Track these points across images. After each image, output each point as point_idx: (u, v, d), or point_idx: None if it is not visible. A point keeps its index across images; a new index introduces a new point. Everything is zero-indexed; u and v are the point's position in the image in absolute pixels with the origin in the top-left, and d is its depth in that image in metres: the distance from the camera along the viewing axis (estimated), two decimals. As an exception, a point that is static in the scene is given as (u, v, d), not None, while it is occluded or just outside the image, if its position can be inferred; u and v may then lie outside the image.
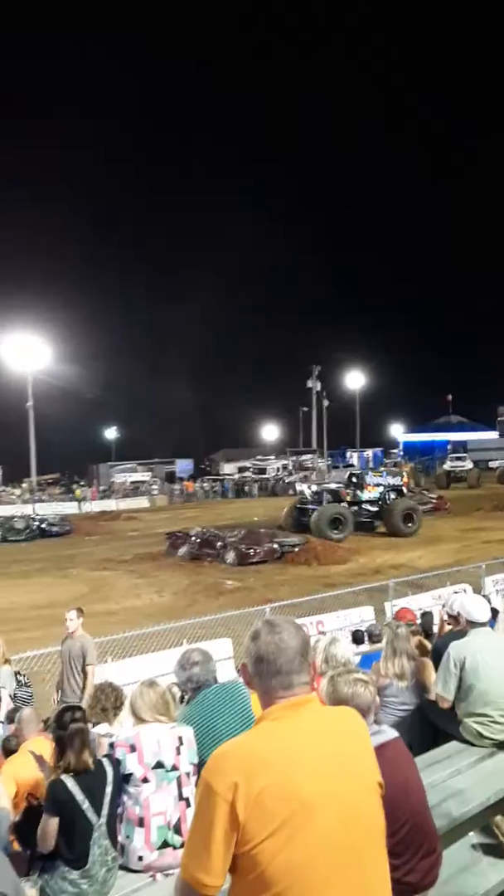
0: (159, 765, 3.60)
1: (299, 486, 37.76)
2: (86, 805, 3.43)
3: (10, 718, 5.42)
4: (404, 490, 35.84)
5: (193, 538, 28.23)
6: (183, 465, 75.38)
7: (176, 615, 15.20)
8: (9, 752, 4.95)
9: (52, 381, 62.57)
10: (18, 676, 8.02)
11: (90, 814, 3.44)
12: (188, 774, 3.63)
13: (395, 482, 35.78)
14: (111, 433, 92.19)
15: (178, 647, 10.33)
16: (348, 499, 33.88)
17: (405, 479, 37.50)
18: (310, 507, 33.24)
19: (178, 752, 3.65)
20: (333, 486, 35.69)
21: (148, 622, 14.27)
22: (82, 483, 64.39)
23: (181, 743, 3.68)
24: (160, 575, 24.45)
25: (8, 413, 64.70)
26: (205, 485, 62.87)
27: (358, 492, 34.23)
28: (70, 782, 3.45)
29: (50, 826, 3.41)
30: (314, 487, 35.86)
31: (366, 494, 34.26)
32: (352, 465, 66.59)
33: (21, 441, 61.20)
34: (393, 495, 34.52)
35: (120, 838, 3.57)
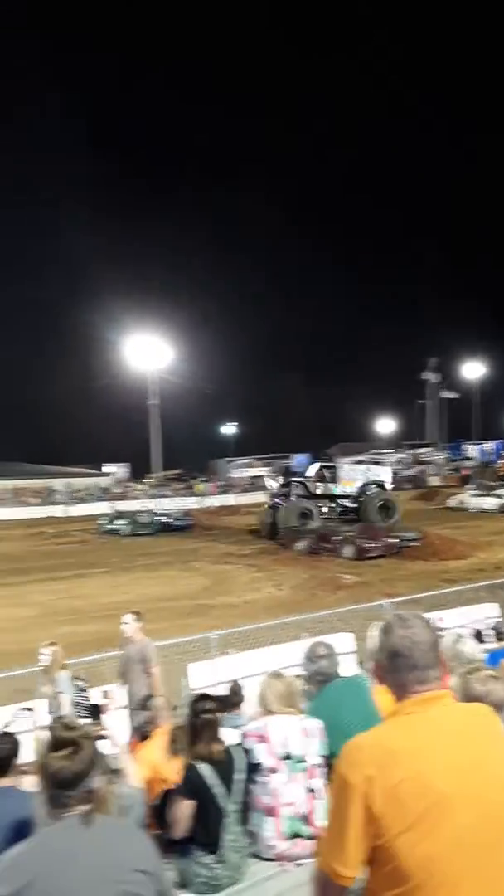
0: (288, 756, 3.65)
1: (267, 482, 35.68)
2: (218, 791, 3.53)
3: (144, 705, 5.63)
4: (386, 485, 34.40)
5: (311, 532, 28.31)
6: (299, 460, 75.38)
7: (294, 609, 15.29)
8: (144, 737, 5.17)
9: (173, 379, 64.16)
10: (77, 682, 7.94)
11: (222, 800, 3.53)
12: (317, 766, 3.67)
13: (377, 477, 34.39)
14: (230, 429, 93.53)
15: (297, 641, 10.38)
16: (318, 492, 32.64)
17: (388, 474, 35.88)
18: (277, 501, 32.28)
19: (307, 744, 3.69)
20: (302, 479, 33.95)
21: (267, 615, 14.44)
22: (203, 478, 65.63)
23: (309, 735, 3.71)
24: (279, 569, 24.66)
25: (132, 411, 66.85)
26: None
27: (331, 485, 32.98)
28: (203, 768, 3.55)
29: (183, 810, 3.53)
30: (281, 480, 34.24)
31: (340, 488, 33.02)
32: (468, 459, 64.79)
33: (144, 438, 63.24)
34: (373, 489, 33.25)
35: (249, 826, 3.66)
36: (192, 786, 3.53)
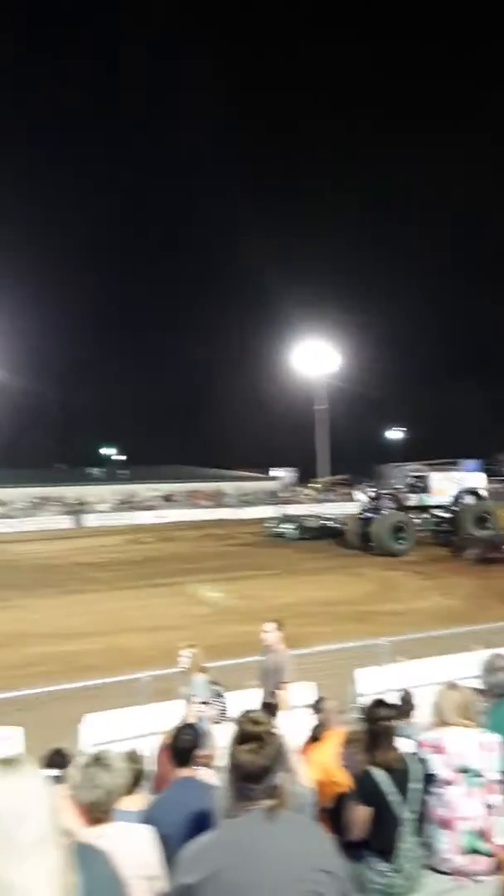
0: (465, 769, 3.57)
1: (356, 495, 33.56)
2: (394, 798, 3.50)
3: (317, 708, 5.69)
4: (480, 492, 31.62)
5: (480, 540, 27.32)
6: (468, 466, 72.92)
7: (463, 619, 14.81)
8: (315, 740, 5.23)
9: (341, 385, 64.18)
10: (215, 687, 7.90)
11: (398, 808, 3.50)
12: (496, 782, 3.56)
13: (470, 484, 31.72)
14: (397, 434, 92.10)
15: (468, 653, 10.04)
16: (410, 503, 30.67)
17: (483, 480, 32.96)
18: (367, 515, 30.46)
19: (485, 759, 3.59)
20: (393, 491, 32.27)
21: (434, 624, 14.09)
22: (370, 484, 64.97)
23: (488, 750, 3.61)
24: (447, 577, 24.00)
25: (300, 417, 67.50)
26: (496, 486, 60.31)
27: (423, 496, 30.84)
28: (379, 774, 3.54)
29: (359, 814, 3.53)
30: (371, 493, 32.45)
31: (434, 499, 30.78)
32: None
33: (312, 443, 63.68)
34: (468, 498, 30.78)
35: (425, 838, 3.60)
36: (368, 792, 3.53)
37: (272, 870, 1.99)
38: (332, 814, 3.98)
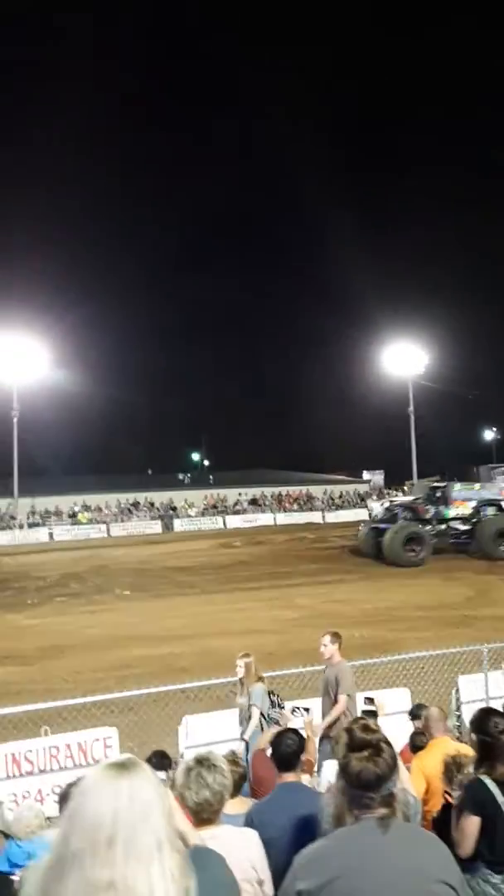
0: None
1: (370, 504, 31.98)
2: (507, 810, 3.37)
3: (415, 714, 5.55)
4: (503, 505, 29.72)
5: None
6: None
7: None
8: (416, 748, 5.09)
9: (433, 385, 63.12)
10: (272, 697, 7.65)
11: (512, 819, 3.37)
12: None
13: (490, 495, 29.94)
14: (491, 434, 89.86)
15: None
16: (428, 516, 29.23)
17: None
18: (382, 525, 29.08)
19: None
20: (409, 501, 30.88)
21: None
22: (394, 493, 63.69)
23: None
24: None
25: (390, 419, 66.67)
26: None
27: (442, 508, 29.35)
28: (491, 784, 3.42)
29: (469, 825, 3.41)
30: (387, 504, 31.02)
31: (453, 511, 29.29)
32: None
33: (402, 445, 62.83)
34: (490, 511, 29.15)
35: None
36: (478, 802, 3.41)
37: (390, 880, 1.94)
38: (437, 824, 3.85)
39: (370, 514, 30.65)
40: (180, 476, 71.91)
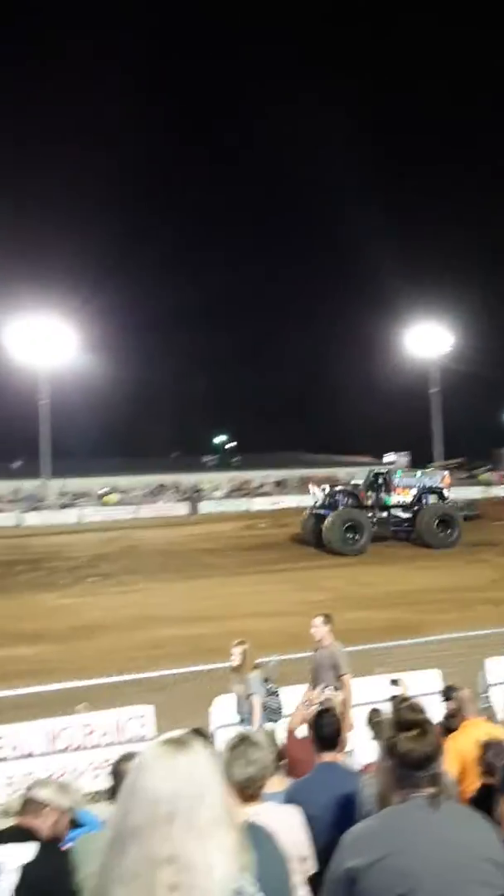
0: None
1: (311, 490, 31.30)
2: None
3: (447, 696, 5.60)
4: (445, 493, 29.44)
5: None
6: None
7: None
8: (448, 730, 5.14)
9: (456, 367, 62.61)
10: (268, 685, 7.65)
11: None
12: None
13: (432, 483, 29.60)
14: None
15: None
16: (369, 503, 28.85)
17: (446, 480, 30.28)
18: (323, 511, 28.60)
19: None
20: (351, 487, 30.58)
21: None
22: (487, 467, 63.23)
23: None
24: None
25: (414, 400, 66.31)
26: None
27: (383, 495, 28.97)
28: (528, 766, 3.47)
29: (507, 807, 3.46)
30: (327, 489, 30.27)
31: (395, 498, 28.87)
32: None
33: (426, 426, 62.52)
34: (431, 499, 28.93)
35: None
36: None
37: (440, 858, 1.99)
38: (474, 805, 3.91)
39: (314, 501, 30.19)
40: (204, 459, 72.21)
